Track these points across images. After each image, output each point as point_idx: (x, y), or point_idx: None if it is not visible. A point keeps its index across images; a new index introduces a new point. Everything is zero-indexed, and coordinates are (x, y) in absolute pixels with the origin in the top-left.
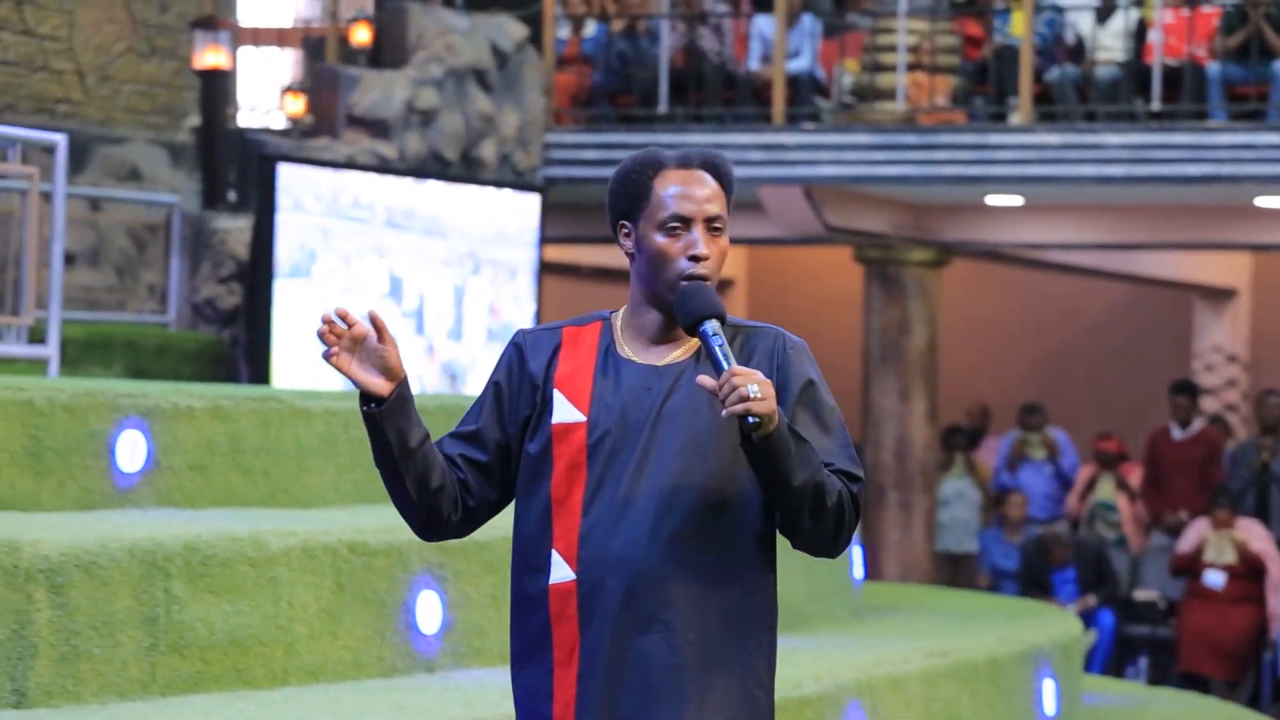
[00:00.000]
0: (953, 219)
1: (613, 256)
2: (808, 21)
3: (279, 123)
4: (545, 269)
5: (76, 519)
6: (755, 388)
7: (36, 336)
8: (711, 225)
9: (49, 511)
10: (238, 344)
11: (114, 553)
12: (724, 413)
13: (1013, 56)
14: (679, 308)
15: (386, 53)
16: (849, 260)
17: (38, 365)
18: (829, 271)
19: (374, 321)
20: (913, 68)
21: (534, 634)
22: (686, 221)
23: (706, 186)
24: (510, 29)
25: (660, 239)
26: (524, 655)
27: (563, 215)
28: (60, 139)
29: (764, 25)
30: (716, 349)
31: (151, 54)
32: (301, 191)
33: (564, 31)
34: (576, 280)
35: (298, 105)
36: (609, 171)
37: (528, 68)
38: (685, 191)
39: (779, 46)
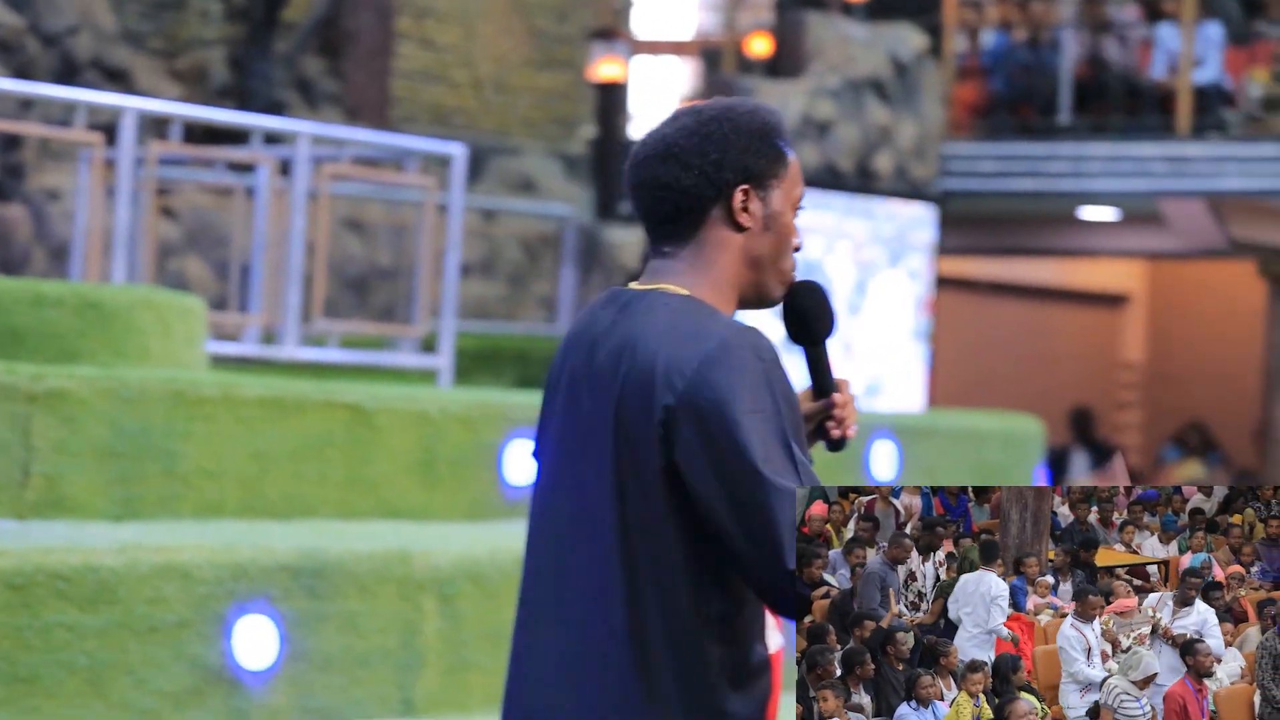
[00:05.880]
0: None
1: (1008, 270)
2: (1213, 30)
3: None
4: (941, 283)
5: (467, 529)
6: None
7: (428, 346)
8: None
9: (440, 521)
10: None
11: (503, 564)
12: (850, 432)
13: None
14: (815, 314)
15: (784, 63)
16: (1253, 275)
17: (428, 375)
18: (1231, 286)
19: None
20: None
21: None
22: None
23: None
24: (910, 39)
25: (794, 222)
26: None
27: (959, 228)
28: (459, 150)
29: (1168, 35)
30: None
31: (548, 65)
32: None
33: (961, 41)
34: (972, 294)
35: None
36: (1008, 184)
37: (926, 78)
38: None
39: (1185, 56)
